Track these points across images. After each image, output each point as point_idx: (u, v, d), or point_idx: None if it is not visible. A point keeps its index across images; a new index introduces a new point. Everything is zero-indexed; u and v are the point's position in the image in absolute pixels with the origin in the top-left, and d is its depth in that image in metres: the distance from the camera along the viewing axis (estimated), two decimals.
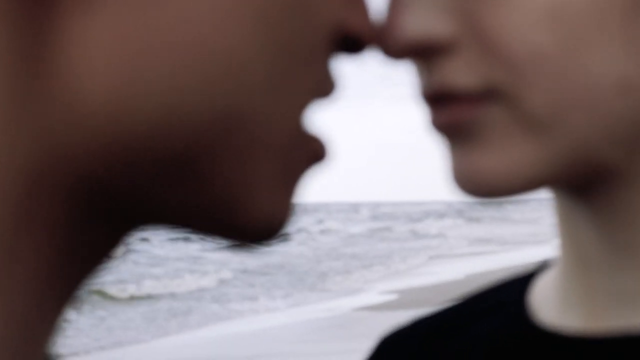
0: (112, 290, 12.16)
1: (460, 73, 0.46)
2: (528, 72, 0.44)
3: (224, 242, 0.39)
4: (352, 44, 0.41)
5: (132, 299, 12.17)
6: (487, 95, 0.46)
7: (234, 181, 0.37)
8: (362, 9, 0.41)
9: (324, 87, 0.41)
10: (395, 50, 0.46)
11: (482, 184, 0.46)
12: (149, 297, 12.51)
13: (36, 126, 0.33)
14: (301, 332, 9.31)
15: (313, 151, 0.41)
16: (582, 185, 0.48)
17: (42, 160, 0.34)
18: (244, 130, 0.37)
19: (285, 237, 0.41)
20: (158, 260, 17.02)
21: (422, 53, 0.46)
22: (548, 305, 0.54)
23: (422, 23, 0.46)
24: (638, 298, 0.49)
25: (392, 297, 11.85)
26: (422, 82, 0.47)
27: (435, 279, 14.05)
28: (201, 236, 0.39)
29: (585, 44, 0.45)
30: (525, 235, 25.35)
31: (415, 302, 10.66)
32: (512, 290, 0.57)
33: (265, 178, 0.38)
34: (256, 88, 0.36)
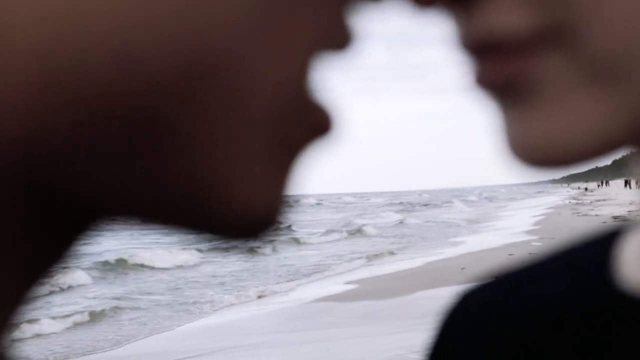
0: None
1: (509, 13, 0.37)
2: (592, 7, 0.35)
3: (203, 240, 0.30)
4: None
5: None
6: (544, 39, 0.36)
7: (207, 155, 0.28)
8: None
9: (334, 37, 0.31)
10: None
11: (544, 152, 0.37)
12: None
13: None
14: (270, 324, 9.51)
15: (316, 123, 0.31)
16: None
17: None
18: (217, 86, 0.28)
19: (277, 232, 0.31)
20: None
21: None
22: (634, 269, 0.47)
23: None
24: None
25: (352, 287, 12.11)
26: (463, 31, 0.38)
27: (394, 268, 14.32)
28: (174, 232, 0.29)
29: None
30: None
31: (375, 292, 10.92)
32: (593, 251, 0.50)
33: (251, 153, 0.29)
34: (235, 28, 0.28)
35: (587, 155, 0.37)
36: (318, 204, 54.29)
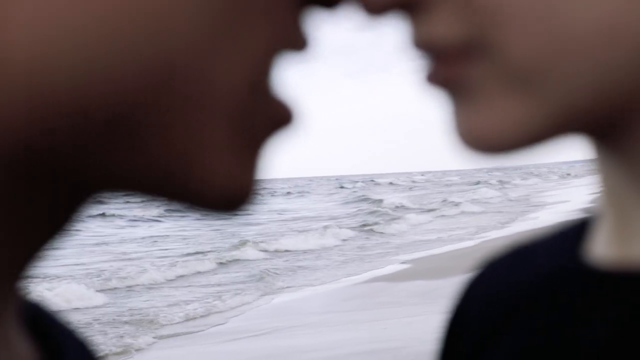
0: None
1: (443, 26, 0.42)
2: (507, 20, 0.41)
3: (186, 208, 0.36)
4: None
5: None
6: (472, 49, 0.42)
7: (178, 142, 0.34)
8: None
9: (290, 41, 0.36)
10: (376, 4, 0.42)
11: (481, 141, 0.43)
12: None
13: None
14: (326, 303, 9.61)
15: (277, 115, 0.36)
16: (597, 133, 0.45)
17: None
18: (182, 86, 0.33)
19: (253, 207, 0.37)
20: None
21: (404, 6, 0.42)
22: (595, 247, 0.53)
23: None
24: None
25: (406, 266, 12.16)
26: (412, 36, 0.43)
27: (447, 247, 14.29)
28: (160, 202, 0.36)
29: None
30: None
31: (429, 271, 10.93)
32: (568, 234, 0.57)
33: (216, 140, 0.34)
34: (196, 37, 0.32)
35: (515, 146, 0.43)
36: (391, 183, 54.08)
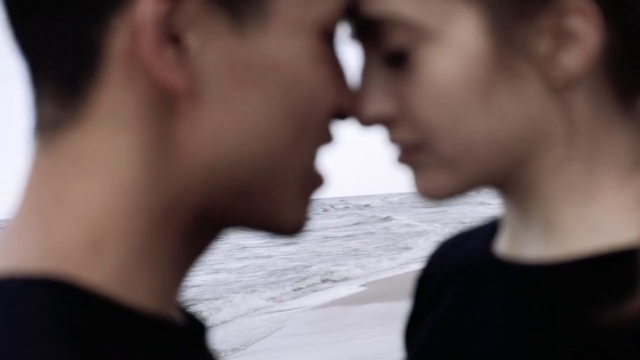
0: None
1: (403, 134, 0.69)
2: (437, 134, 0.67)
3: (270, 237, 0.65)
4: (342, 116, 0.66)
5: None
6: (420, 146, 0.69)
7: (274, 201, 0.62)
8: (347, 95, 0.66)
9: (327, 142, 0.65)
10: (364, 123, 0.69)
11: (427, 196, 0.71)
12: None
13: (167, 178, 0.58)
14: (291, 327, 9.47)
15: (319, 180, 0.66)
16: (497, 186, 0.72)
17: (170, 198, 0.58)
18: (278, 173, 0.61)
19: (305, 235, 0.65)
20: None
21: (381, 123, 0.70)
22: (499, 242, 0.77)
23: (377, 107, 0.68)
24: (544, 238, 0.70)
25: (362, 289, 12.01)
26: (388, 137, 0.70)
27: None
28: (256, 234, 0.65)
29: (463, 113, 0.66)
30: None
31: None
32: (484, 231, 0.82)
33: (292, 198, 0.63)
34: (284, 150, 0.61)
35: (445, 199, 0.71)
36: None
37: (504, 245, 0.75)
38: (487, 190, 0.73)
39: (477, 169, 0.68)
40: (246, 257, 18.88)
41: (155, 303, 0.58)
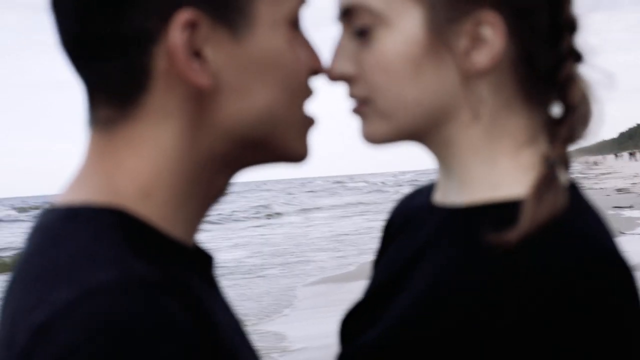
0: None
1: (357, 90, 0.93)
2: (379, 92, 0.92)
3: (281, 166, 0.88)
4: (316, 74, 0.89)
5: None
6: (366, 101, 0.93)
7: (284, 139, 0.86)
8: (316, 59, 0.89)
9: (310, 94, 0.88)
10: (332, 79, 0.94)
11: (368, 140, 0.95)
12: None
13: (200, 145, 0.82)
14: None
15: (311, 121, 0.88)
16: (425, 142, 0.96)
17: (204, 155, 0.82)
18: (282, 122, 0.85)
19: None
20: None
21: (345, 80, 0.94)
22: (436, 192, 1.01)
23: (342, 67, 0.93)
24: (459, 188, 0.94)
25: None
26: (348, 93, 0.95)
27: None
28: (269, 166, 0.87)
29: (398, 80, 0.91)
30: None
31: None
32: (431, 187, 1.05)
33: (295, 135, 0.87)
34: (282, 108, 0.84)
35: (384, 143, 0.96)
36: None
37: (437, 195, 1.00)
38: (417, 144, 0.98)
39: (405, 122, 0.93)
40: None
41: (184, 234, 0.83)
